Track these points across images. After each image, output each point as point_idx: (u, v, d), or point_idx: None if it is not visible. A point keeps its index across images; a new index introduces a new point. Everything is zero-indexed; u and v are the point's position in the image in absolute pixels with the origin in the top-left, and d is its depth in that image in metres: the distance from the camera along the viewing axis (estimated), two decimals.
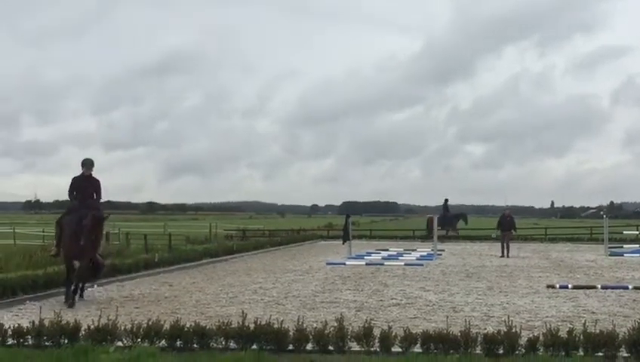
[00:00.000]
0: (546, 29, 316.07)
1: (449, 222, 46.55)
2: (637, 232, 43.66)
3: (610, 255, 32.01)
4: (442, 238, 43.22)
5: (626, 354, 9.25)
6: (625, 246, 36.10)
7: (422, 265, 25.60)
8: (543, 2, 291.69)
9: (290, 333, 9.78)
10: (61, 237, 15.61)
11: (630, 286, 18.15)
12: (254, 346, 9.68)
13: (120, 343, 9.93)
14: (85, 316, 12.81)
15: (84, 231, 14.92)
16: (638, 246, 36.07)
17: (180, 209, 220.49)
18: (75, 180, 15.86)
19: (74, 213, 15.45)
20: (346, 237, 29.97)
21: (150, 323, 10.21)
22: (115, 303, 13.29)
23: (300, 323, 10.05)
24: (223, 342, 9.83)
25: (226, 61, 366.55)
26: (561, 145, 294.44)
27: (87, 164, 15.93)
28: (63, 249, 15.44)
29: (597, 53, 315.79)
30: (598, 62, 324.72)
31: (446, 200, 48.17)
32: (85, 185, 15.81)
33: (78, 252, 15.06)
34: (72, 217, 15.42)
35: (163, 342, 9.91)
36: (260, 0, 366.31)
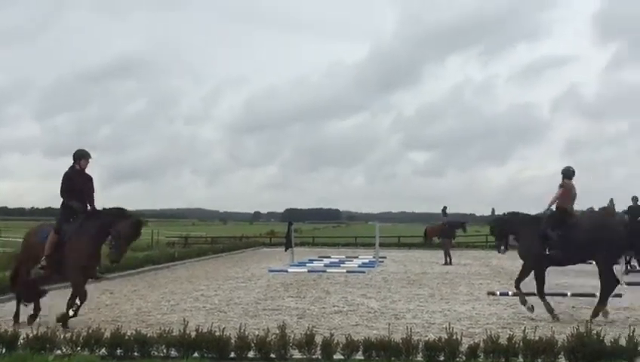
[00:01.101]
0: (490, 39, 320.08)
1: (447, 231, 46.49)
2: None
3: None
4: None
5: (565, 360, 9.37)
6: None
7: (364, 272, 25.66)
8: (487, 12, 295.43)
9: (232, 341, 9.76)
10: (56, 247, 12.92)
11: (569, 293, 18.39)
12: (196, 354, 9.65)
13: (59, 352, 9.81)
14: (24, 324, 12.66)
15: (120, 240, 12.85)
16: None
17: None
18: (70, 176, 13.46)
19: (85, 218, 13.12)
20: (288, 245, 29.90)
21: (90, 331, 10.12)
22: (54, 311, 13.13)
23: (242, 330, 10.03)
24: (164, 351, 9.77)
25: (172, 67, 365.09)
26: (503, 153, 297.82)
27: (86, 155, 13.63)
28: (78, 260, 12.76)
29: (539, 63, 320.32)
30: (540, 72, 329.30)
31: (444, 208, 48.16)
32: (83, 181, 13.49)
33: (94, 265, 13.41)
34: (83, 223, 13.04)
35: (103, 350, 9.83)
36: (206, 7, 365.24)
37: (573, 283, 22.13)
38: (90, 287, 19.53)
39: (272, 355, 9.60)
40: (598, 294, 17.48)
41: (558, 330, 11.41)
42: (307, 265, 27.99)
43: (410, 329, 10.44)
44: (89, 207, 13.37)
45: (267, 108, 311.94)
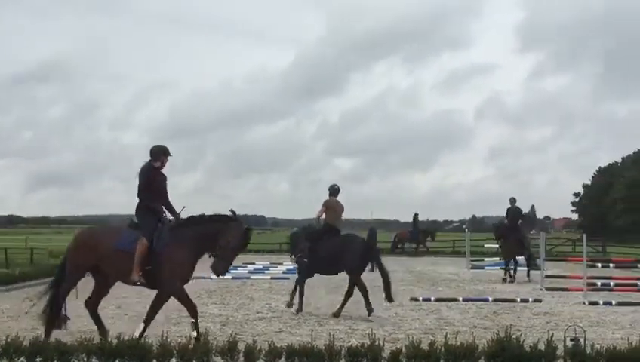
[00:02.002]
0: (415, 47, 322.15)
1: (417, 237, 46.63)
2: (497, 246, 44.84)
3: (471, 268, 32.89)
4: (411, 254, 43.78)
5: None
6: (486, 259, 37.02)
7: (288, 278, 25.63)
8: (411, 20, 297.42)
9: (154, 348, 9.67)
10: (147, 257, 11.49)
11: (490, 299, 18.67)
12: None
13: None
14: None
15: (229, 251, 11.69)
16: (498, 259, 37.06)
17: (44, 222, 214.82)
18: (149, 171, 12.03)
19: (180, 224, 11.85)
20: None
21: (9, 339, 9.94)
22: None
23: (164, 337, 9.95)
24: (85, 359, 9.64)
25: (96, 71, 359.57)
26: (427, 159, 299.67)
27: (167, 152, 12.27)
28: (175, 272, 11.66)
29: (463, 71, 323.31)
30: (464, 79, 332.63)
31: (416, 215, 48.25)
32: (160, 180, 12.20)
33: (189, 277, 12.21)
34: (179, 230, 11.74)
35: (22, 359, 9.66)
36: (130, 10, 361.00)
37: (494, 288, 22.43)
38: (9, 295, 19.28)
39: None
40: (519, 299, 17.88)
41: (479, 335, 11.61)
42: (231, 271, 27.81)
43: (333, 335, 10.49)
44: (165, 211, 12.08)
45: (191, 113, 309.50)
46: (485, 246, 42.31)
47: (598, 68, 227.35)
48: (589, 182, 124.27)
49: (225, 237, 11.50)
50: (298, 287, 16.59)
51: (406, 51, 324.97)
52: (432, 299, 18.74)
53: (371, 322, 14.59)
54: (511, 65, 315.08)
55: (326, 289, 21.79)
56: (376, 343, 9.65)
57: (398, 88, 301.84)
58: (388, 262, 35.20)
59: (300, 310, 16.18)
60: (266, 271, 28.40)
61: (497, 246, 42.67)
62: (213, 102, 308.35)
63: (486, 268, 32.67)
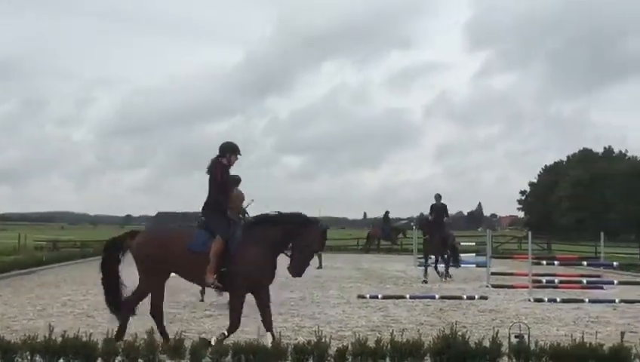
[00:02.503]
0: (365, 45, 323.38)
1: (388, 235, 46.55)
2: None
3: (418, 265, 33.01)
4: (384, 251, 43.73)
5: None
6: (433, 257, 37.23)
7: None
8: (361, 19, 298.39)
9: (99, 346, 9.60)
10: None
11: (437, 296, 18.78)
12: (61, 360, 9.44)
13: None
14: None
15: (307, 252, 11.37)
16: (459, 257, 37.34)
17: None
18: (220, 168, 11.50)
19: (253, 223, 11.43)
20: None
21: None
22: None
23: (110, 336, 9.89)
24: (29, 357, 9.51)
25: (43, 68, 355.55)
26: (376, 157, 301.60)
27: (237, 150, 11.68)
28: (250, 274, 11.13)
29: (412, 69, 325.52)
30: (413, 78, 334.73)
31: (387, 213, 48.16)
32: (227, 177, 11.77)
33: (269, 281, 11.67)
34: (253, 229, 11.27)
35: None
36: (80, 7, 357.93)
37: (441, 286, 22.59)
38: None
39: (140, 360, 9.48)
40: (465, 296, 18.05)
41: (425, 333, 11.68)
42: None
43: (280, 332, 10.50)
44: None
45: (140, 110, 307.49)
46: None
47: (546, 67, 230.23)
48: (535, 181, 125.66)
49: (303, 238, 11.13)
50: None
51: (356, 49, 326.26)
52: (380, 296, 18.81)
53: (318, 319, 14.61)
54: (460, 64, 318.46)
55: (272, 286, 21.78)
56: (323, 340, 9.66)
57: (348, 86, 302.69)
58: (336, 259, 35.34)
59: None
60: None
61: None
62: (163, 99, 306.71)
63: (433, 265, 32.78)
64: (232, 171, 11.93)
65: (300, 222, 11.22)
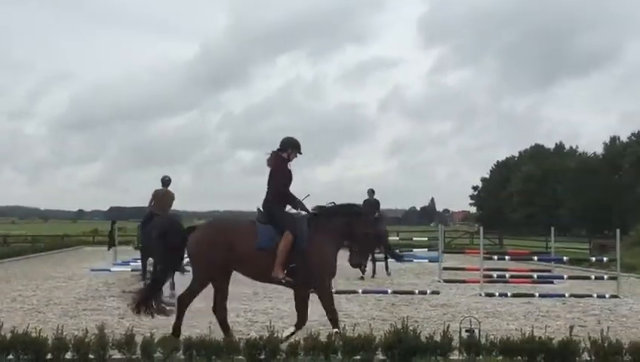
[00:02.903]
0: (320, 40, 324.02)
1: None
2: (397, 238, 45.40)
3: (371, 260, 33.09)
4: None
5: (382, 357, 9.60)
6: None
7: (189, 271, 25.46)
8: (317, 13, 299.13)
9: (49, 342, 9.51)
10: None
11: (389, 291, 18.84)
12: (10, 356, 9.35)
13: None
14: None
15: (368, 243, 11.67)
16: (397, 251, 37.51)
17: None
18: (282, 162, 11.48)
19: (315, 217, 11.26)
20: (111, 243, 29.29)
21: None
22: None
23: (60, 331, 9.79)
24: None
25: None
26: (330, 152, 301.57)
27: (299, 147, 11.69)
28: (327, 269, 11.36)
29: (367, 64, 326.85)
30: (368, 73, 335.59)
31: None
32: (288, 171, 11.63)
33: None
34: (317, 223, 11.16)
35: None
36: None
37: (393, 281, 22.68)
38: None
39: (91, 356, 9.41)
40: (417, 291, 18.16)
41: (377, 327, 11.72)
42: (131, 264, 27.50)
43: (232, 327, 10.48)
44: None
45: (94, 104, 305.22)
46: None
47: (499, 63, 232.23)
48: (487, 176, 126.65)
49: (361, 228, 11.19)
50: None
51: (311, 44, 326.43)
52: (332, 291, 18.82)
53: (271, 314, 14.60)
54: (414, 60, 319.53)
55: (231, 280, 21.75)
56: (275, 335, 9.68)
57: (303, 81, 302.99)
58: None
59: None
60: None
61: (397, 238, 43.36)
62: (117, 93, 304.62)
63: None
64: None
65: (354, 212, 11.29)
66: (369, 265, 23.62)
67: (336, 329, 10.82)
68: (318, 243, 10.92)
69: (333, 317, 11.17)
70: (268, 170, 11.50)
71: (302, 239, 10.82)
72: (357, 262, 11.71)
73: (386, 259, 25.42)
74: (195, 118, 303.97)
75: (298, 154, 11.55)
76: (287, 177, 11.40)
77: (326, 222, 11.08)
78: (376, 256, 24.69)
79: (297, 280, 11.10)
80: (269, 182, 11.41)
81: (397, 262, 26.19)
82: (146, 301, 11.39)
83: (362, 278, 23.27)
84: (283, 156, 11.40)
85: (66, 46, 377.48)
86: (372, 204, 25.10)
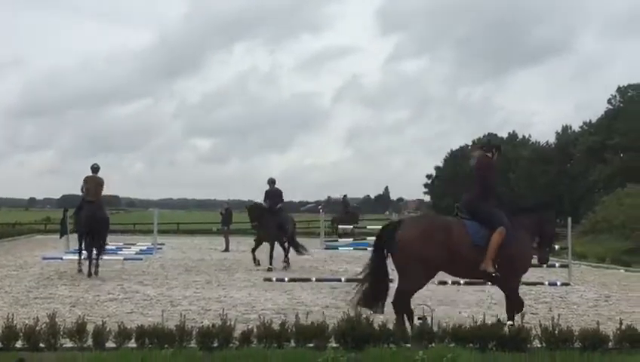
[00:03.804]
0: (276, 29, 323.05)
1: (350, 219, 45.46)
2: (351, 226, 45.51)
3: (325, 248, 33.22)
4: (343, 236, 42.73)
5: (335, 345, 9.61)
6: (340, 240, 37.52)
7: (141, 259, 25.40)
8: (273, 1, 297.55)
9: None
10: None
11: (343, 279, 18.85)
12: None
13: None
14: None
15: (553, 239, 12.12)
16: (352, 240, 37.65)
17: None
18: (487, 161, 11.77)
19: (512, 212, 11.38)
20: (63, 232, 29.00)
21: None
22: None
23: (10, 320, 9.69)
24: None
25: None
26: (285, 141, 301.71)
27: (501, 149, 12.24)
28: (525, 268, 11.60)
29: (323, 53, 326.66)
30: (324, 62, 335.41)
31: (345, 196, 47.53)
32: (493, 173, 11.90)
33: None
34: (512, 219, 11.17)
35: None
36: None
37: (347, 269, 22.72)
38: None
39: (42, 345, 9.33)
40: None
41: (330, 315, 11.73)
42: (83, 252, 27.33)
43: (185, 316, 10.42)
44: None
45: (47, 92, 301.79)
46: (340, 227, 42.87)
47: (455, 52, 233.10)
48: (441, 165, 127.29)
49: (549, 225, 11.56)
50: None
51: (267, 33, 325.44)
52: (286, 279, 18.83)
53: (224, 303, 14.56)
54: (371, 49, 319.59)
55: (179, 269, 21.72)
56: (228, 324, 9.66)
57: (259, 70, 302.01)
58: (242, 243, 35.27)
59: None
60: (119, 252, 27.94)
61: (351, 227, 43.42)
62: (71, 80, 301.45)
63: (340, 248, 33.07)
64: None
65: (539, 207, 11.79)
66: (279, 253, 23.48)
67: (510, 322, 10.81)
68: (521, 240, 11.10)
69: (517, 312, 11.13)
70: (476, 169, 11.76)
71: (510, 235, 10.90)
72: (547, 257, 11.95)
73: (287, 249, 23.89)
74: (150, 105, 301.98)
75: (498, 156, 11.81)
76: (494, 176, 11.68)
77: (523, 219, 11.28)
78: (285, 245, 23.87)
79: (500, 274, 11.06)
80: (475, 181, 11.57)
81: (297, 255, 24.19)
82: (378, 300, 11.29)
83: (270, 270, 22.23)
84: (488, 156, 11.71)
85: (20, 32, 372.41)
86: (274, 193, 24.07)
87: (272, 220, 23.46)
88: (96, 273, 19.64)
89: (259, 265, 23.06)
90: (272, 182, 24.22)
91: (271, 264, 22.60)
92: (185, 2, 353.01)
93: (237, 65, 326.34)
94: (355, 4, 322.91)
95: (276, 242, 23.57)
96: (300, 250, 24.11)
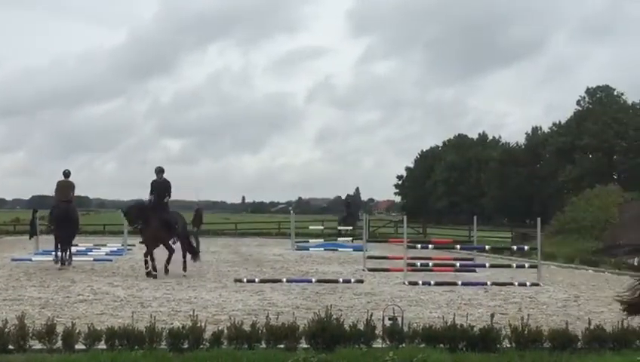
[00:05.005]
0: (249, 29, 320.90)
1: (353, 220, 44.83)
2: (322, 227, 45.52)
3: (296, 249, 33.24)
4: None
5: (305, 345, 9.63)
6: (310, 240, 37.54)
7: (111, 260, 25.29)
8: (247, 1, 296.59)
9: None
10: None
11: (313, 280, 18.88)
12: None
13: None
14: None
15: None
16: (322, 240, 37.68)
17: None
18: None
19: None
20: (33, 233, 28.84)
21: None
22: None
23: None
24: None
25: None
26: (257, 141, 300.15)
27: None
28: None
29: (296, 54, 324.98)
30: (297, 63, 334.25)
31: (348, 196, 47.30)
32: None
33: None
34: None
35: None
36: None
37: (318, 269, 22.75)
38: None
39: (10, 346, 9.27)
40: (341, 280, 18.26)
41: (301, 316, 11.75)
42: (53, 253, 27.17)
43: (155, 317, 10.40)
44: None
45: (17, 91, 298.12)
46: (310, 227, 42.89)
47: (427, 54, 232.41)
48: (411, 166, 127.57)
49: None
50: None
51: (240, 33, 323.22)
52: (257, 280, 18.81)
53: (195, 304, 14.53)
54: (343, 50, 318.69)
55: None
56: (199, 325, 9.65)
57: (232, 70, 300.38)
58: (213, 243, 35.22)
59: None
60: (89, 253, 27.81)
61: (322, 227, 43.42)
62: (41, 79, 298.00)
63: (310, 249, 33.08)
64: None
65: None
66: (179, 259, 20.72)
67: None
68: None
69: None
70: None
71: None
72: None
73: (185, 255, 21.11)
74: (121, 105, 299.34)
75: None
76: None
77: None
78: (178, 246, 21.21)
79: None
80: None
81: (193, 261, 21.38)
82: None
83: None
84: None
85: None
86: (161, 186, 21.14)
87: (157, 218, 20.55)
88: (69, 263, 22.13)
89: (155, 277, 19.67)
90: (159, 171, 21.23)
91: (147, 267, 20.14)
92: (159, 2, 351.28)
93: (210, 65, 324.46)
94: (329, 6, 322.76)
95: (162, 244, 20.72)
96: (195, 256, 21.54)
